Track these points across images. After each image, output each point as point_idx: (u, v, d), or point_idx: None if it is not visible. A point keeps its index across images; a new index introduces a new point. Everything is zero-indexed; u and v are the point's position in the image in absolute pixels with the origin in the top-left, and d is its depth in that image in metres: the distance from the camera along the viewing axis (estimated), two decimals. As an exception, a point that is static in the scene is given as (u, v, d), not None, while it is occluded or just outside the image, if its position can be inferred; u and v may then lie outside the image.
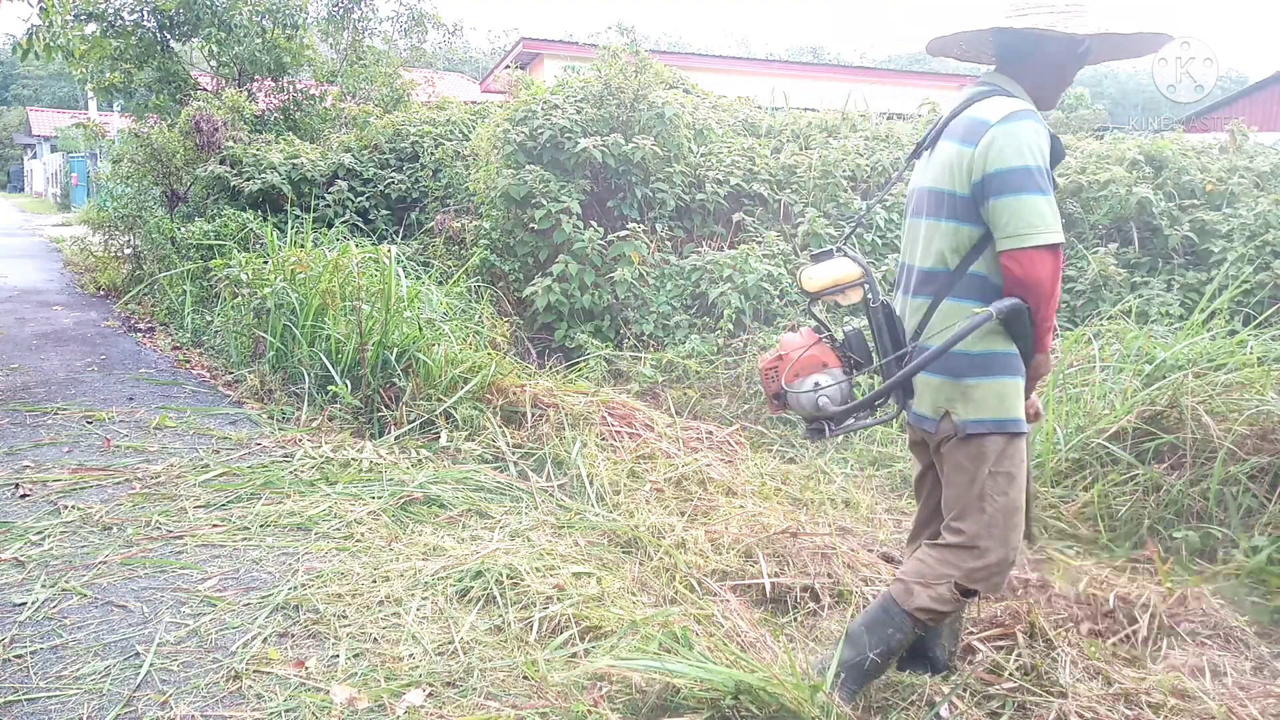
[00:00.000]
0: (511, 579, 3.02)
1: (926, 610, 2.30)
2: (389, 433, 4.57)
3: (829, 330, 2.41)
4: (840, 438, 4.77)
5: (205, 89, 11.35)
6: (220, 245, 7.34)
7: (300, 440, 4.48)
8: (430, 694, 2.43)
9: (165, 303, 7.77)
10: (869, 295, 2.33)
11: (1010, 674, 2.59)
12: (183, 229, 7.99)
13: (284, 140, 9.47)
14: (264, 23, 10.96)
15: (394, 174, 8.92)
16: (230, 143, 8.85)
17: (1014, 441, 2.26)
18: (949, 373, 2.26)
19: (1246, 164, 6.99)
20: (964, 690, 2.52)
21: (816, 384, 2.30)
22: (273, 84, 11.56)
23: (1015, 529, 2.26)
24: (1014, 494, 2.25)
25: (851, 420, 2.36)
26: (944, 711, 2.43)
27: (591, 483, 3.94)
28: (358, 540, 3.41)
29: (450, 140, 8.99)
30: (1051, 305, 2.19)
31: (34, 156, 42.86)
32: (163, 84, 11.09)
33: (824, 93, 11.72)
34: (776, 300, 6.01)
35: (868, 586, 3.14)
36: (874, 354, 2.41)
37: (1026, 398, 2.31)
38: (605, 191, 6.75)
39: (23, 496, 3.71)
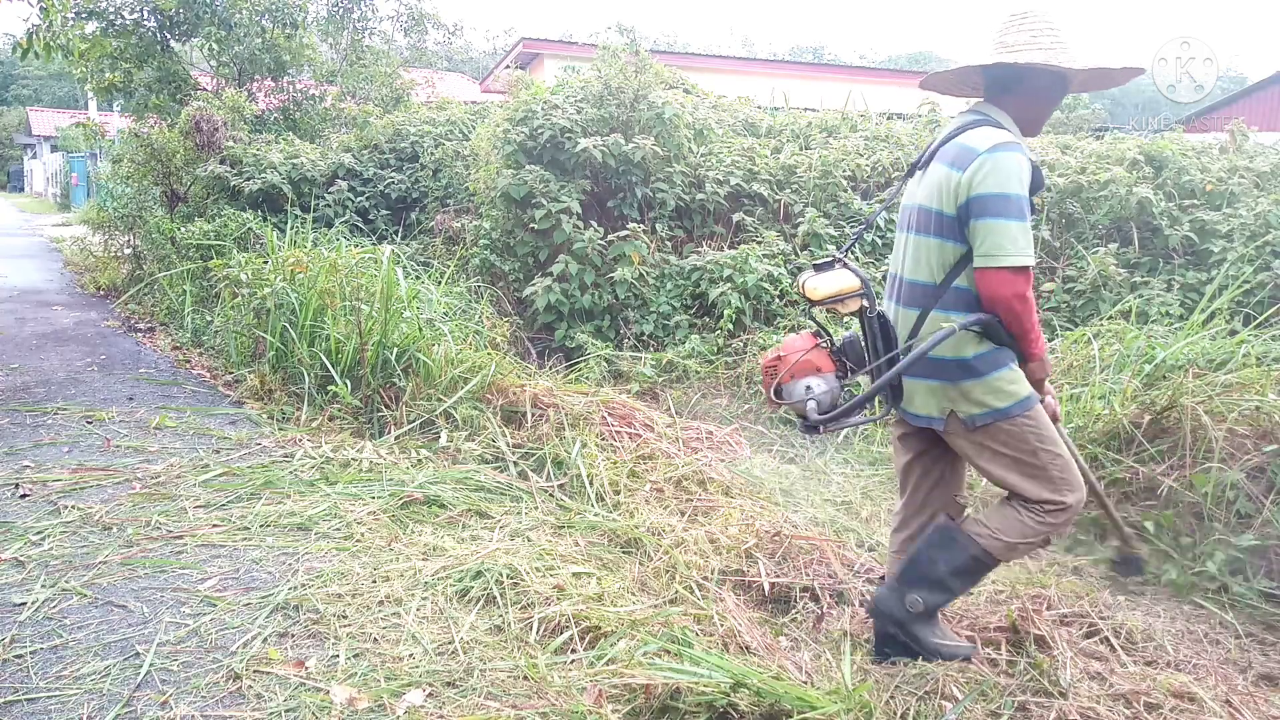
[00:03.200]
0: (511, 579, 3.02)
1: (1019, 558, 2.62)
2: (389, 433, 4.57)
3: (828, 335, 2.60)
4: (839, 435, 4.80)
5: (205, 89, 11.36)
6: (220, 245, 7.34)
7: (300, 440, 4.48)
8: (430, 694, 2.43)
9: (165, 303, 7.77)
10: (866, 305, 2.54)
11: (1010, 674, 2.60)
12: (183, 229, 7.99)
13: (284, 140, 9.48)
14: (264, 22, 10.97)
15: (394, 174, 8.93)
16: (230, 143, 8.85)
17: (1030, 413, 2.47)
18: (945, 378, 2.48)
19: (1246, 164, 6.98)
20: (964, 691, 2.52)
21: (808, 387, 2.52)
22: (273, 84, 11.58)
23: (1075, 471, 2.53)
24: (1061, 450, 2.51)
25: (842, 420, 2.56)
26: (949, 716, 2.43)
27: (591, 483, 3.94)
28: (358, 540, 3.40)
29: (450, 140, 9.00)
30: (1022, 319, 2.39)
31: (34, 156, 42.80)
32: (163, 84, 11.10)
33: (824, 93, 11.73)
34: (776, 300, 6.00)
35: (869, 586, 3.14)
36: (867, 358, 2.59)
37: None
38: (605, 191, 6.76)
39: (23, 496, 3.70)
